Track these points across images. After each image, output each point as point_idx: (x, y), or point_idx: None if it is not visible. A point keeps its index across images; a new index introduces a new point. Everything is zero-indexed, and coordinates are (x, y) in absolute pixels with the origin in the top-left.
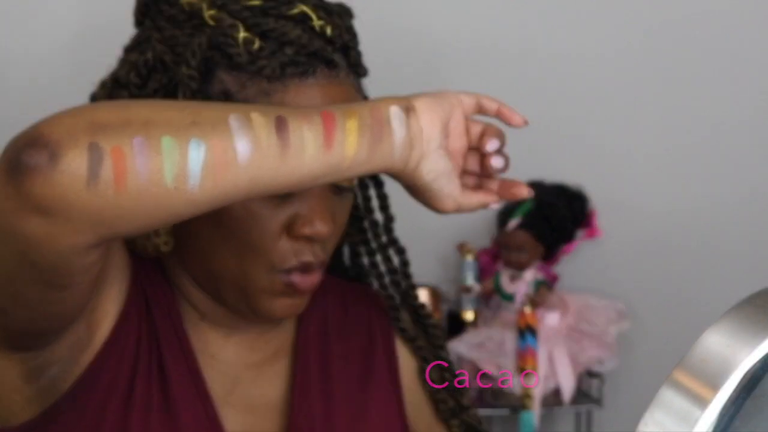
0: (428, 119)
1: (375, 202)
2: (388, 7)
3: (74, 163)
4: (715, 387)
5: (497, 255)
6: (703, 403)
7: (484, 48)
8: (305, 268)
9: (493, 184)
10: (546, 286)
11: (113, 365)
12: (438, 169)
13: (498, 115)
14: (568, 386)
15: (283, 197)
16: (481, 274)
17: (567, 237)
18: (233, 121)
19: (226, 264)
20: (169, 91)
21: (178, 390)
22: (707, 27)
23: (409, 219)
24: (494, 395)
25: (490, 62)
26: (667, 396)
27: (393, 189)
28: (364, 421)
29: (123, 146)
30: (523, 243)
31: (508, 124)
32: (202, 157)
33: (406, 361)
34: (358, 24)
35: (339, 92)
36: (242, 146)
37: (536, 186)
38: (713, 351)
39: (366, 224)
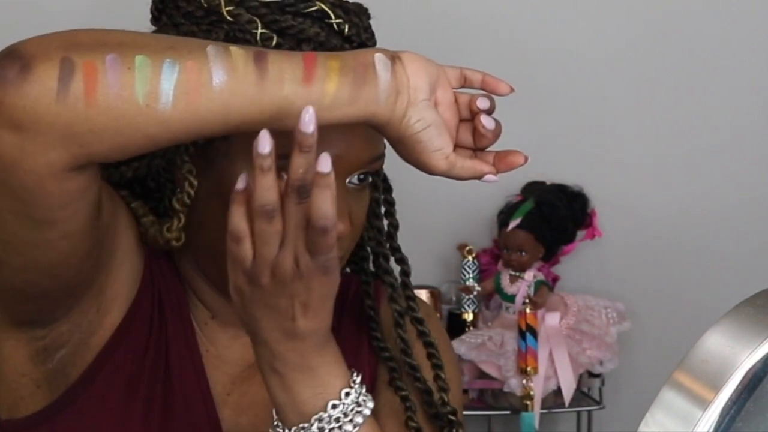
0: (414, 69)
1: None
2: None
3: (45, 75)
4: (715, 387)
5: (497, 255)
6: (704, 403)
7: (484, 47)
8: None
9: (489, 157)
10: (546, 286)
11: (119, 357)
12: (427, 118)
13: (483, 86)
14: (568, 387)
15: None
16: (482, 275)
17: (567, 237)
18: (211, 48)
19: None
20: None
21: (181, 391)
22: (709, 28)
23: (409, 219)
24: (494, 396)
25: (491, 62)
26: (668, 396)
27: (396, 190)
28: None
29: (96, 61)
30: (524, 243)
31: (495, 93)
32: (175, 77)
33: (381, 367)
34: (374, 12)
35: None
36: (218, 70)
37: (536, 186)
38: (714, 351)
39: (370, 230)
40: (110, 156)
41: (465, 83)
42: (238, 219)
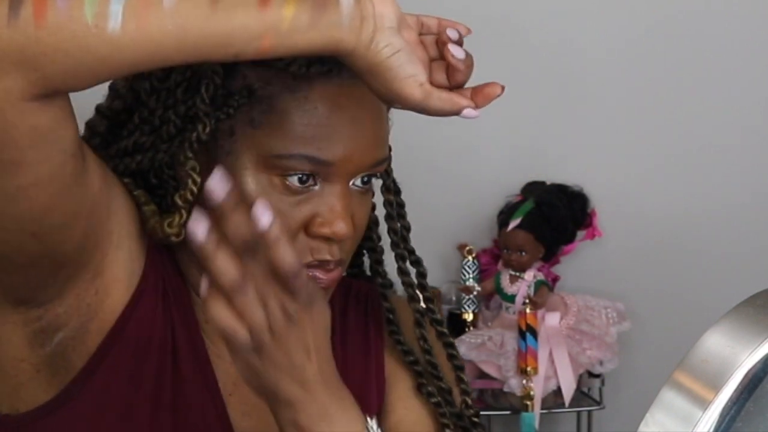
0: None
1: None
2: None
3: None
4: (715, 387)
5: (497, 255)
6: (704, 403)
7: (486, 47)
8: (321, 266)
9: (467, 93)
10: (546, 286)
11: (120, 350)
12: (395, 44)
13: (440, 29)
14: (568, 387)
15: (302, 195)
16: (482, 275)
17: (567, 237)
18: None
19: None
20: (192, 85)
21: (190, 388)
22: (708, 27)
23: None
24: (495, 396)
25: (491, 61)
26: (668, 396)
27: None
28: None
29: None
30: (524, 243)
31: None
32: None
33: (395, 373)
34: None
35: (363, 93)
36: None
37: (536, 186)
38: (714, 351)
39: (378, 233)
40: (67, 81)
41: (423, 29)
42: (221, 314)
